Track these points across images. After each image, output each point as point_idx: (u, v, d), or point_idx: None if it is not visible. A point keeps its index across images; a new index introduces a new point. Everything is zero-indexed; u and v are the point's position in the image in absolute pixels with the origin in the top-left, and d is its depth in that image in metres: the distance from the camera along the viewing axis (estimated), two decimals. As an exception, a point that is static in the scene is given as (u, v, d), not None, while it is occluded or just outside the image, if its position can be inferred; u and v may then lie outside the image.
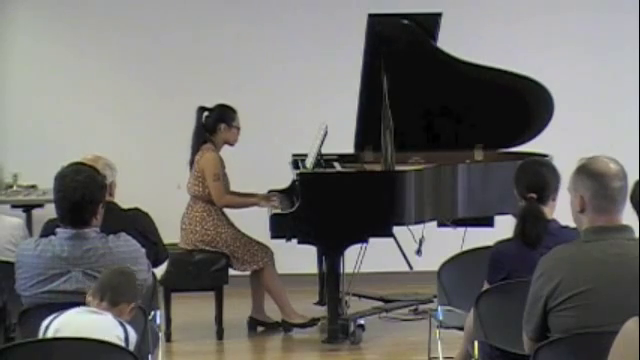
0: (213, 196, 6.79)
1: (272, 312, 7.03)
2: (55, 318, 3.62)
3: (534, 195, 4.23)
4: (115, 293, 3.71)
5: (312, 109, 8.09)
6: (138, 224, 4.88)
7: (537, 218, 4.17)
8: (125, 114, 8.51)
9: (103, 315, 3.66)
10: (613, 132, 8.27)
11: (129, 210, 5.01)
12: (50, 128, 8.43)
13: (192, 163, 6.90)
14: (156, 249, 5.02)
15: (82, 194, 3.89)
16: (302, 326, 6.91)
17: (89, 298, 3.74)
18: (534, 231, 4.14)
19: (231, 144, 6.94)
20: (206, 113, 6.92)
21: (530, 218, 4.17)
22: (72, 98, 8.47)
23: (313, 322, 6.92)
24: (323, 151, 6.79)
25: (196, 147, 6.89)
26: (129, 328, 3.66)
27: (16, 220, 5.13)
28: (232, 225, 6.90)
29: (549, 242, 3.97)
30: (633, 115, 8.28)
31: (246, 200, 6.96)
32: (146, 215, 5.09)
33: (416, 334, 6.58)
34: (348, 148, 7.24)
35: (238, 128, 6.92)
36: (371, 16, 6.74)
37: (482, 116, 7.18)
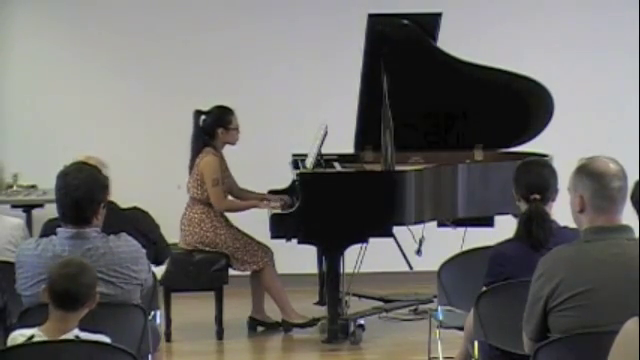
0: (212, 201, 6.77)
1: (272, 312, 7.03)
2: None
3: (538, 196, 4.20)
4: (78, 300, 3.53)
5: (312, 109, 8.08)
6: (138, 223, 4.89)
7: (543, 219, 4.14)
8: (125, 114, 8.50)
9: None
10: (613, 132, 8.27)
11: (128, 209, 5.02)
12: (50, 128, 8.43)
13: (192, 168, 6.88)
14: (155, 248, 5.02)
15: (84, 192, 3.89)
16: (302, 326, 6.91)
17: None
18: (541, 232, 4.11)
19: (232, 144, 6.93)
20: (203, 117, 6.89)
21: (536, 219, 4.13)
22: (72, 98, 8.46)
23: (313, 322, 6.92)
24: (323, 151, 6.79)
25: (195, 152, 6.86)
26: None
27: (16, 220, 5.12)
28: (231, 226, 6.89)
29: (550, 243, 3.97)
30: (633, 115, 8.28)
31: (245, 204, 6.94)
32: (145, 214, 5.10)
33: (416, 334, 6.57)
34: (348, 148, 7.23)
35: (237, 129, 6.89)
36: (371, 16, 6.74)
37: (482, 116, 7.17)
